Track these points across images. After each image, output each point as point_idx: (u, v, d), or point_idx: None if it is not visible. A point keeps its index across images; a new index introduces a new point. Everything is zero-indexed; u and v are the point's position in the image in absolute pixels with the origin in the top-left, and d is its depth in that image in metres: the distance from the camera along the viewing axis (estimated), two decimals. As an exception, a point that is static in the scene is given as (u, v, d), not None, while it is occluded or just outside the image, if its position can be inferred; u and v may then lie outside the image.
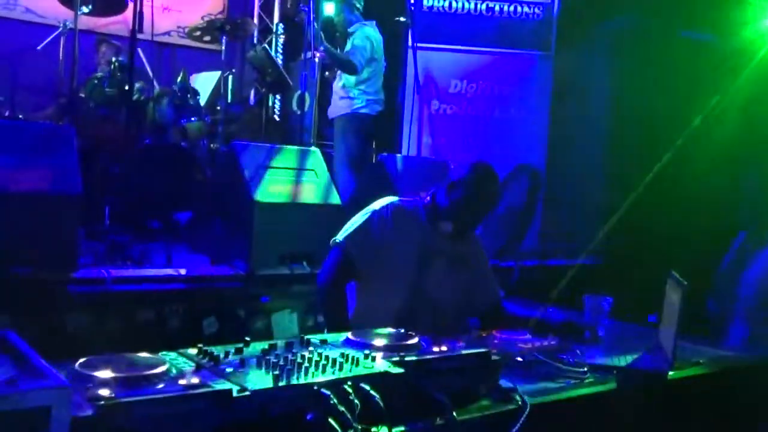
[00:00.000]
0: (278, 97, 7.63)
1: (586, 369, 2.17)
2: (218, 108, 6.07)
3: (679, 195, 5.48)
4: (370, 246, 2.71)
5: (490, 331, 2.36)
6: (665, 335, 2.48)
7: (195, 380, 1.44)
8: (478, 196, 2.74)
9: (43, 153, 3.42)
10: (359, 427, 1.48)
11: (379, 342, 1.85)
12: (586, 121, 5.98)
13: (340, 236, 2.76)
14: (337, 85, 5.93)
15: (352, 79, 5.73)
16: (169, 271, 3.69)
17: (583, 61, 6.14)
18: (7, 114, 5.43)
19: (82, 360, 1.48)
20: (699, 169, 5.49)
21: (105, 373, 1.42)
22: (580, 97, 6.15)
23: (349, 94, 5.81)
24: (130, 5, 5.17)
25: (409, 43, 5.89)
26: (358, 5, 5.82)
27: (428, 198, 2.81)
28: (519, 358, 2.15)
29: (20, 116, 5.53)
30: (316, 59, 6.20)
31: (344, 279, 2.76)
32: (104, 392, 1.34)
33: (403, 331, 1.99)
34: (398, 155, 5.59)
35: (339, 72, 5.89)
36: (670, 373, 2.27)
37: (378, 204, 2.80)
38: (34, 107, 6.28)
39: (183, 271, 3.69)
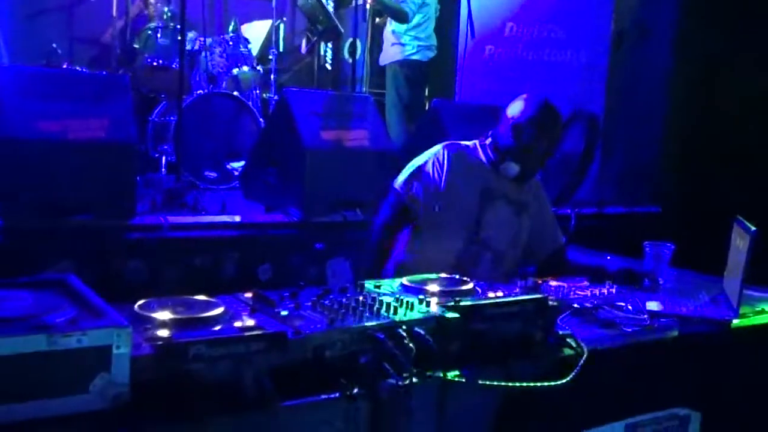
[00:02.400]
0: (329, 45, 7.55)
1: (646, 316, 2.11)
2: (270, 57, 6.04)
3: (743, 139, 5.27)
4: (427, 190, 2.65)
5: (548, 278, 2.31)
6: (730, 283, 2.40)
7: (251, 323, 1.45)
8: (548, 135, 2.65)
9: (99, 102, 3.47)
10: (414, 370, 1.47)
11: (434, 287, 1.84)
12: (648, 64, 5.74)
13: (397, 181, 2.72)
14: (387, 31, 5.84)
15: (402, 24, 5.62)
16: (225, 218, 3.73)
17: (645, 1, 5.87)
18: (65, 65, 5.52)
19: (141, 302, 1.51)
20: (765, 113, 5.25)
21: (163, 315, 1.45)
22: (641, 40, 5.91)
23: (400, 40, 5.71)
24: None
25: (462, -15, 5.72)
26: None
27: (489, 139, 2.72)
28: (576, 305, 2.11)
29: (77, 67, 5.62)
30: (368, 5, 6.09)
31: (398, 223, 2.73)
32: (163, 333, 1.36)
33: (458, 276, 1.97)
34: (451, 101, 5.50)
35: (389, 17, 5.79)
36: (735, 321, 2.20)
37: (436, 147, 2.74)
38: (90, 59, 6.37)
39: (238, 219, 3.73)
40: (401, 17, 5.54)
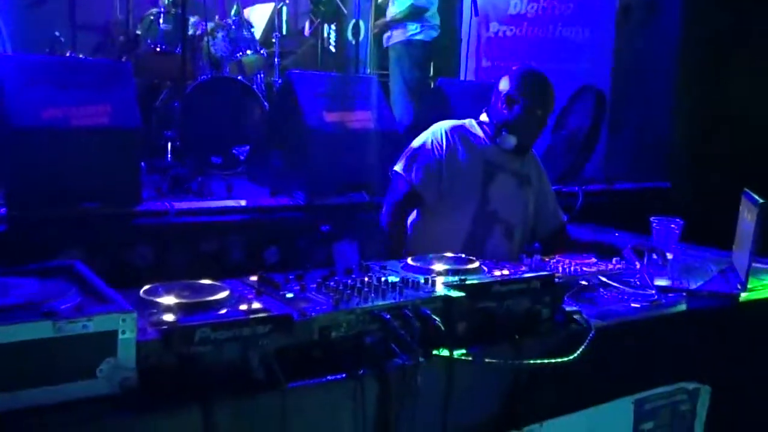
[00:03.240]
0: (333, 26, 7.51)
1: (654, 292, 2.10)
2: (273, 40, 6.01)
3: (753, 113, 5.21)
4: (429, 170, 2.67)
5: (554, 256, 2.31)
6: (739, 257, 2.39)
7: (256, 305, 1.45)
8: (539, 103, 2.68)
9: (102, 89, 3.47)
10: (420, 350, 1.47)
11: (440, 266, 1.83)
12: (657, 39, 5.68)
13: (398, 165, 2.74)
14: (390, 11, 5.80)
15: (405, 4, 5.59)
16: (230, 203, 3.74)
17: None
18: (68, 53, 5.51)
19: (146, 287, 1.51)
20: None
21: (168, 299, 1.45)
22: (649, 15, 5.84)
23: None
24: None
25: (466, -38, 5.68)
26: None
27: (483, 114, 2.77)
28: (584, 282, 2.10)
29: (81, 55, 5.60)
30: (372, 33, 6.09)
31: (409, 207, 2.73)
32: (168, 317, 1.36)
33: (463, 255, 1.96)
34: (457, 80, 5.47)
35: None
36: (743, 295, 2.19)
37: (433, 128, 2.77)
38: (93, 46, 6.36)
39: (243, 203, 3.73)
40: (421, 11, 5.57)
